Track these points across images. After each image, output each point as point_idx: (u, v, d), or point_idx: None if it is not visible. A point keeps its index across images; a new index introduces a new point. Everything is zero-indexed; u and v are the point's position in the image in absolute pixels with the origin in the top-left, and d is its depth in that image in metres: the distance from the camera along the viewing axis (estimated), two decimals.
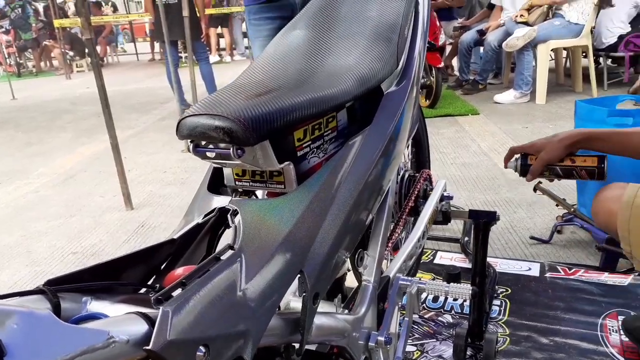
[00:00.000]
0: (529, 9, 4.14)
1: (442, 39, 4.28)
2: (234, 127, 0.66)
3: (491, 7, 4.85)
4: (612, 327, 1.44)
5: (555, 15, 4.11)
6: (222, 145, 0.70)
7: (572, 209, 1.98)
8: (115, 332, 0.46)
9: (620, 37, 4.30)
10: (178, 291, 0.54)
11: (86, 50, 9.93)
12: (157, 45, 10.19)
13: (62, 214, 2.68)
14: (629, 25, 4.30)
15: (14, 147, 4.24)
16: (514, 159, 1.29)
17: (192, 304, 0.53)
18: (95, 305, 0.60)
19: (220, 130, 0.66)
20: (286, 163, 0.76)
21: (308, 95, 0.76)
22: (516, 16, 4.18)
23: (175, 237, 0.72)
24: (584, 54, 4.56)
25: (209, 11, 8.29)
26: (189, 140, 0.71)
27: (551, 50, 4.29)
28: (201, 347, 0.52)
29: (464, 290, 0.98)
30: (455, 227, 2.14)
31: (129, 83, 7.21)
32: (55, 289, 0.56)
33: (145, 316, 0.49)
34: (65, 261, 2.16)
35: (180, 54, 5.05)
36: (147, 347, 0.47)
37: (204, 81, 4.77)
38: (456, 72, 5.19)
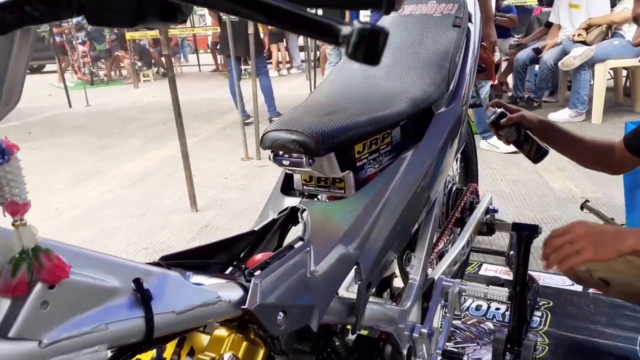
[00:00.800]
0: (587, 29, 4.12)
1: (497, 56, 4.31)
2: (308, 140, 0.81)
3: (549, 25, 4.84)
4: None
5: (614, 34, 4.07)
6: (296, 155, 0.85)
7: None
8: (221, 294, 0.61)
9: None
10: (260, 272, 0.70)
11: (152, 61, 10.56)
12: (219, 57, 10.68)
13: (134, 213, 2.95)
14: None
15: (89, 151, 4.62)
16: (495, 109, 1.36)
17: (274, 279, 0.68)
18: (195, 278, 0.76)
19: (297, 143, 0.82)
20: (347, 172, 0.91)
21: (367, 115, 0.91)
22: (574, 35, 4.17)
23: (255, 229, 0.87)
24: None
25: (270, 28, 8.64)
26: (269, 150, 0.87)
27: (610, 69, 4.25)
28: (280, 312, 0.67)
29: (502, 292, 1.08)
30: (502, 241, 2.21)
31: (192, 93, 7.61)
32: (168, 263, 0.73)
33: (241, 285, 0.65)
34: (137, 255, 2.39)
35: (241, 67, 5.31)
36: (244, 307, 0.62)
37: (263, 93, 5.01)
38: (511, 89, 5.19)
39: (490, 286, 1.11)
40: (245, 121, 4.08)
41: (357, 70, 1.09)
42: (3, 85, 0.41)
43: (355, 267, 0.85)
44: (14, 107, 0.45)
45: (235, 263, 0.85)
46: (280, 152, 0.88)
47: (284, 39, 9.62)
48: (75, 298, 0.47)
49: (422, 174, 1.01)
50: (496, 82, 4.25)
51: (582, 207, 2.02)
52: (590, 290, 1.77)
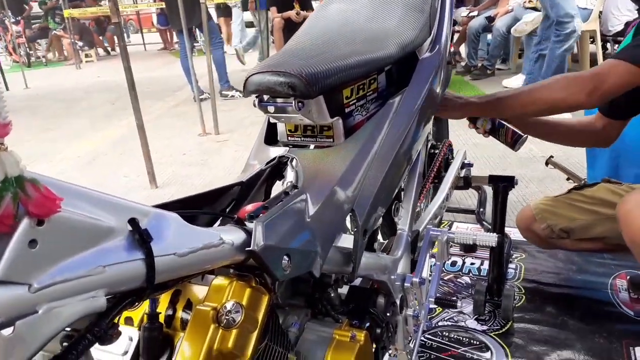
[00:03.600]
0: None
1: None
2: (297, 82, 0.76)
3: None
4: (622, 285, 1.54)
5: None
6: (283, 100, 0.80)
7: (583, 182, 2.07)
8: (224, 236, 0.56)
9: (627, 24, 4.35)
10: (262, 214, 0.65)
11: (94, 41, 10.03)
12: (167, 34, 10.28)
13: None
14: (636, 11, 4.35)
15: (32, 133, 4.35)
16: None
17: (275, 222, 0.63)
18: None
19: (285, 85, 0.76)
20: (336, 118, 0.86)
21: (355, 57, 0.86)
22: (525, 2, 4.24)
23: (243, 180, 0.82)
24: (591, 40, 4.62)
25: (217, 1, 8.35)
26: (254, 95, 0.81)
27: None
28: (285, 256, 0.62)
29: (491, 238, 1.08)
30: (470, 201, 2.24)
31: (140, 72, 7.27)
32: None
33: (243, 228, 0.60)
34: None
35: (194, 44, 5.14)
36: (249, 248, 0.57)
37: (216, 66, 4.86)
38: (464, 58, 5.26)
39: (479, 233, 1.10)
40: (200, 97, 3.95)
41: (336, 14, 1.04)
42: None
43: (351, 214, 0.81)
44: None
45: (225, 213, 0.80)
46: (266, 98, 0.82)
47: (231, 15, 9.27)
48: (68, 237, 0.41)
49: (409, 121, 0.97)
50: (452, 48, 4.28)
51: (547, 163, 2.06)
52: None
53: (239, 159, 3.11)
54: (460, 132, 3.32)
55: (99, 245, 0.43)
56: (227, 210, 0.83)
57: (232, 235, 0.57)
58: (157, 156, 3.31)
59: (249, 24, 8.76)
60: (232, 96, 5.01)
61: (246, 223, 0.62)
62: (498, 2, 4.92)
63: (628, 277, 1.55)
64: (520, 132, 1.34)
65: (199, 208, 0.75)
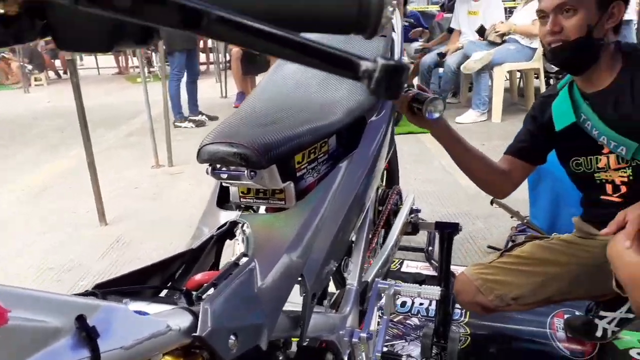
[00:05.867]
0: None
1: (404, 60, 4.52)
2: (250, 153, 0.79)
3: (450, 30, 5.14)
4: (559, 325, 1.62)
5: (509, 40, 4.42)
6: (236, 168, 0.82)
7: (525, 220, 2.18)
8: (170, 323, 0.57)
9: None
10: (210, 291, 0.66)
11: (45, 64, 9.75)
12: (121, 59, 10.14)
13: (36, 229, 2.70)
14: None
15: None
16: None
17: (223, 301, 0.65)
18: (134, 305, 0.70)
19: (238, 156, 0.79)
20: (288, 182, 0.89)
21: (306, 125, 0.90)
22: (492, 32, 4.44)
23: (193, 247, 0.83)
24: (536, 76, 4.90)
25: None
26: (207, 164, 0.84)
27: (507, 72, 4.61)
28: (232, 336, 0.64)
29: (434, 291, 1.13)
30: (420, 238, 2.31)
31: (93, 98, 7.12)
32: (103, 291, 0.67)
33: (190, 311, 0.61)
34: (43, 277, 2.20)
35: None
36: (195, 334, 0.59)
37: (170, 98, 4.90)
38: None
39: (423, 286, 1.15)
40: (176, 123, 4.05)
41: (289, 78, 1.08)
42: None
43: (300, 278, 0.84)
44: None
45: (171, 285, 0.81)
46: (218, 165, 0.84)
47: None
48: (15, 346, 0.41)
49: (358, 181, 1.02)
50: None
51: (492, 202, 2.16)
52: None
53: (193, 193, 3.08)
54: (412, 168, 3.43)
55: (46, 348, 0.44)
56: (177, 276, 0.84)
57: (178, 319, 0.59)
58: (108, 190, 3.24)
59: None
60: (186, 127, 5.00)
61: (193, 299, 0.64)
62: (449, 38, 5.16)
63: (565, 317, 1.64)
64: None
65: (147, 280, 0.76)
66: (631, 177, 1.21)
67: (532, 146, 1.37)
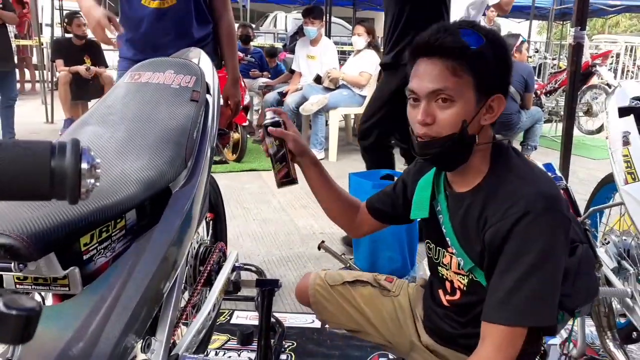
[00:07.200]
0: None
1: (247, 98, 4.58)
2: (16, 245, 0.70)
3: (292, 71, 5.36)
4: None
5: (342, 86, 4.75)
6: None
7: (348, 264, 2.32)
8: None
9: None
10: None
11: None
12: None
13: None
14: None
15: None
16: (274, 116, 1.27)
17: None
18: None
19: (2, 248, 0.70)
20: (71, 268, 0.81)
21: (95, 204, 0.83)
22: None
23: None
24: None
25: None
26: None
27: (342, 114, 4.93)
28: None
29: None
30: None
31: None
32: None
33: None
34: None
35: None
36: None
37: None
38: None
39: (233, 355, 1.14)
40: None
41: (88, 140, 1.01)
42: None
43: None
44: None
45: None
46: None
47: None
48: None
49: (160, 256, 0.97)
50: (246, 122, 4.49)
51: (319, 248, 2.26)
52: (327, 326, 1.98)
53: None
54: (252, 207, 3.45)
55: None
56: None
57: None
58: None
59: None
60: None
61: None
62: (292, 78, 5.37)
63: None
64: (294, 177, 1.30)
65: None
66: (465, 288, 1.09)
67: (390, 212, 1.33)
